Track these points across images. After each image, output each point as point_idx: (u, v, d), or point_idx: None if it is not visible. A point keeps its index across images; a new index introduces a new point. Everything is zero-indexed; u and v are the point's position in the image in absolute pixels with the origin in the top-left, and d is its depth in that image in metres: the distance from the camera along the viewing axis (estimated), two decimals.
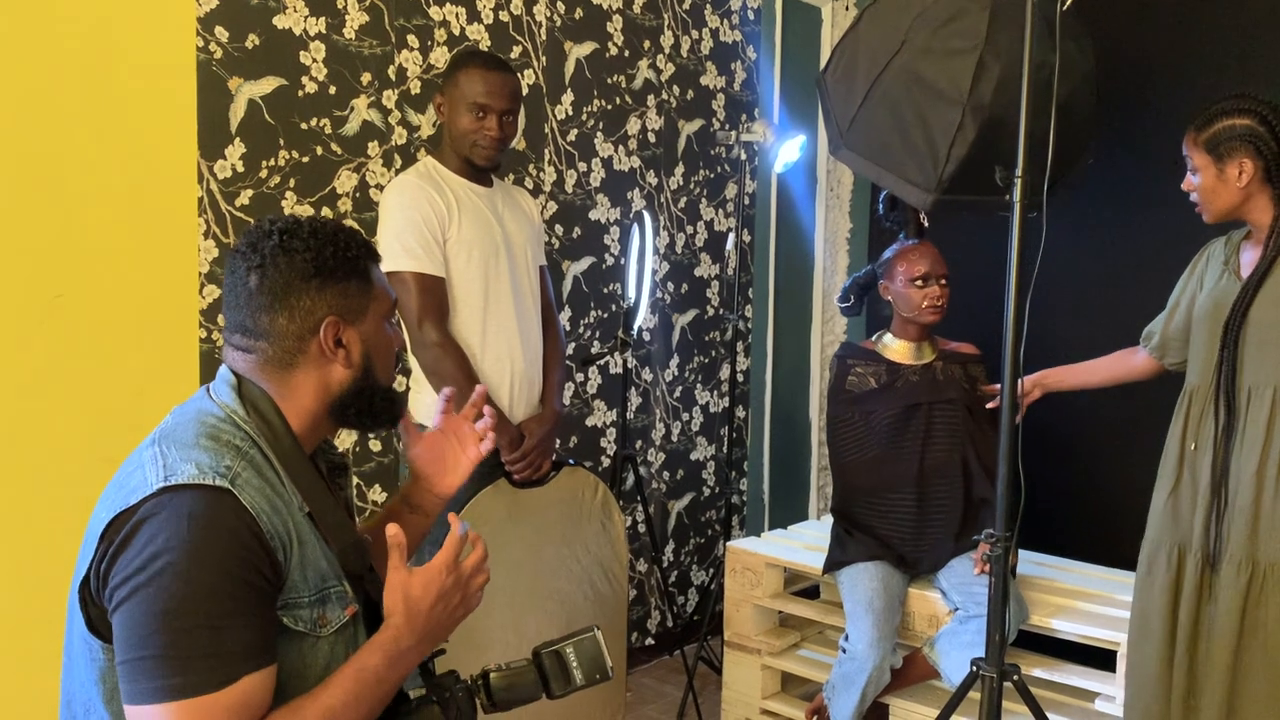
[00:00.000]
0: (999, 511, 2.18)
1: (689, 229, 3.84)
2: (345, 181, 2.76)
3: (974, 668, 2.24)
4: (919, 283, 2.79)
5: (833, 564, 2.82)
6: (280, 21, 2.61)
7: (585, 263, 3.44)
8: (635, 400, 3.68)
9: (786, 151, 3.61)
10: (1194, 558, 2.23)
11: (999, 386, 2.46)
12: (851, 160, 2.68)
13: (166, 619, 1.15)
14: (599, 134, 3.44)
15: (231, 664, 1.17)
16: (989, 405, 2.73)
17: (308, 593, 1.29)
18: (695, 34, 3.77)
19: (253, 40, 2.56)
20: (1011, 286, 2.13)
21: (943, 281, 2.80)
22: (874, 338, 2.96)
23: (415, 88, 2.89)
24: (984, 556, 2.52)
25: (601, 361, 3.52)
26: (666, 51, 3.66)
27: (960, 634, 2.65)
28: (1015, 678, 2.23)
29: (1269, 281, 2.18)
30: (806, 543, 3.22)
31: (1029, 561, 3.04)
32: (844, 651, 2.71)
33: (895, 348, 2.88)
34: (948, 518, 2.81)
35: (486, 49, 3.04)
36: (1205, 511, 2.22)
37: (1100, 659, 2.65)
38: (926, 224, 2.96)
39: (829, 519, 2.99)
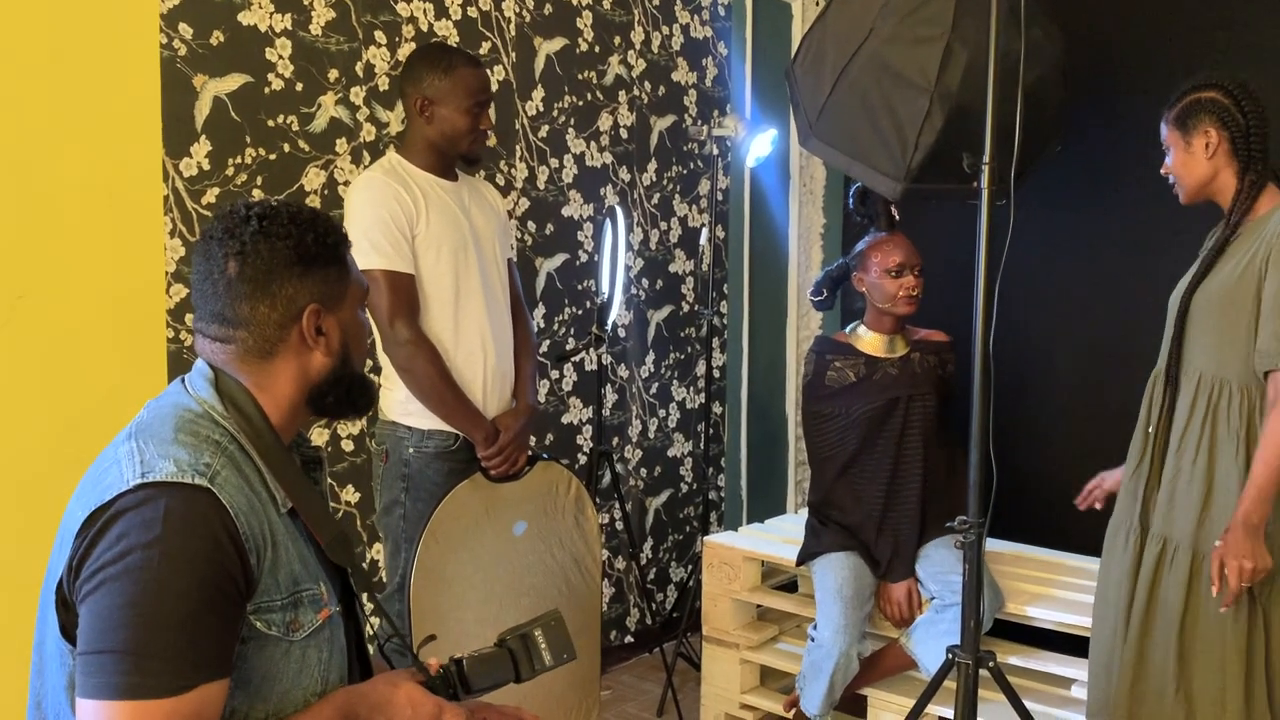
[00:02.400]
0: (971, 497, 2.19)
1: (663, 225, 3.83)
2: (313, 179, 2.74)
3: (949, 655, 2.24)
4: (894, 273, 2.79)
5: (806, 555, 2.83)
6: (245, 18, 2.59)
7: (559, 259, 3.43)
8: (611, 397, 3.67)
9: (758, 146, 3.61)
10: (1136, 536, 2.29)
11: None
12: (821, 150, 2.68)
13: (131, 614, 1.13)
14: (570, 130, 3.43)
15: (190, 670, 1.14)
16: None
17: (280, 596, 1.27)
18: (666, 30, 3.77)
19: (217, 37, 2.54)
20: (980, 274, 2.14)
21: (917, 272, 2.80)
22: (847, 330, 2.96)
23: (383, 84, 2.88)
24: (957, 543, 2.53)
25: (576, 358, 3.50)
26: (637, 47, 3.66)
27: (937, 623, 2.66)
28: (991, 664, 2.23)
29: (1217, 266, 2.20)
30: (783, 536, 3.22)
31: (1005, 550, 3.05)
32: (812, 640, 2.72)
33: (869, 340, 2.88)
34: (922, 510, 2.81)
35: (455, 45, 3.03)
36: (1151, 492, 2.27)
37: (1076, 646, 2.65)
38: (897, 216, 2.97)
39: (806, 512, 2.99)
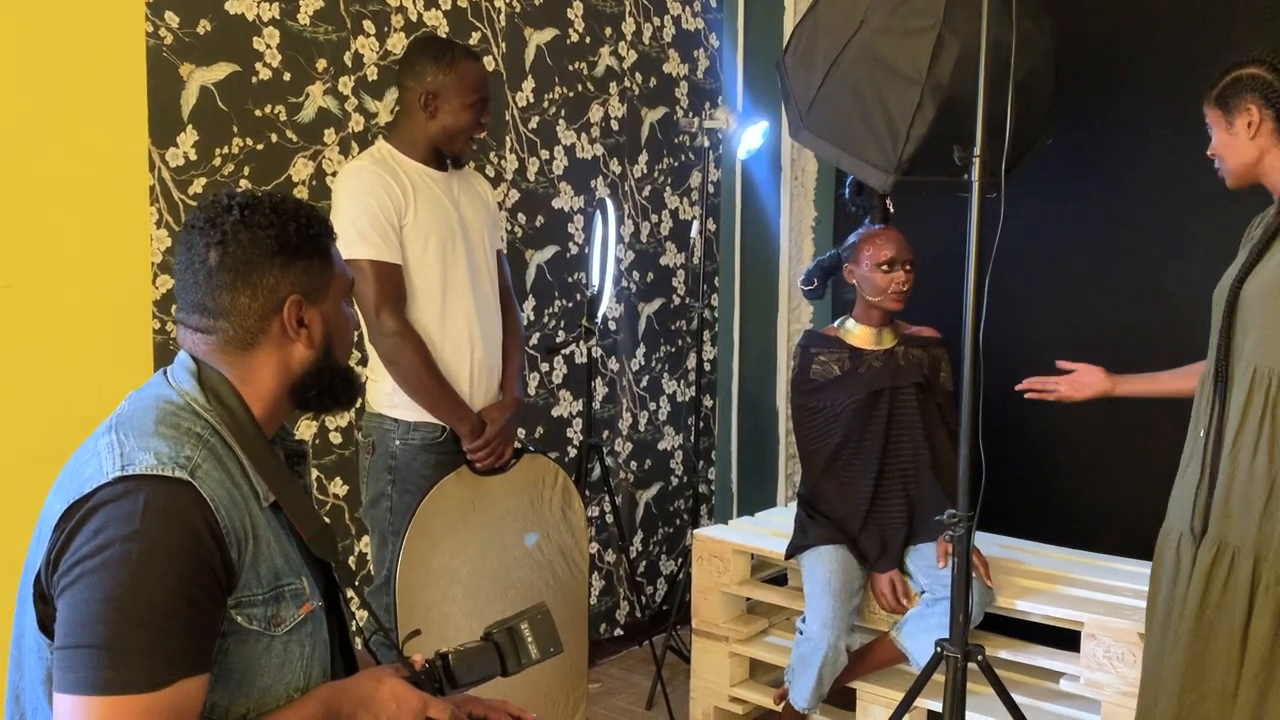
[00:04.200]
0: (960, 492, 2.18)
1: (654, 217, 3.82)
2: (301, 169, 2.72)
3: (938, 648, 2.24)
4: (885, 267, 2.78)
5: (795, 548, 2.82)
6: (232, 7, 2.56)
7: (549, 251, 3.42)
8: (601, 390, 3.66)
9: (749, 138, 3.60)
10: (1189, 542, 2.14)
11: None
12: (811, 142, 2.67)
13: (109, 608, 1.12)
14: (561, 121, 3.42)
15: (169, 665, 1.13)
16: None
17: (261, 590, 1.26)
18: (657, 21, 3.75)
19: (204, 26, 2.52)
20: (970, 267, 2.13)
21: (908, 267, 2.79)
22: (836, 323, 2.96)
23: (372, 74, 2.86)
24: (947, 545, 2.53)
25: (567, 351, 3.49)
26: (628, 39, 3.64)
27: (927, 617, 2.65)
28: (980, 658, 2.23)
29: (1268, 254, 2.06)
30: (773, 529, 3.22)
31: (994, 544, 3.05)
32: (801, 633, 2.72)
33: (857, 333, 2.88)
34: (909, 502, 2.81)
35: (445, 35, 3.01)
36: (1204, 496, 2.12)
37: (1065, 640, 2.66)
38: (892, 209, 2.96)
39: (796, 506, 2.99)
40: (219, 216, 1.31)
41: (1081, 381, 2.47)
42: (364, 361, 2.43)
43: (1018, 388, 2.53)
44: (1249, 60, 2.07)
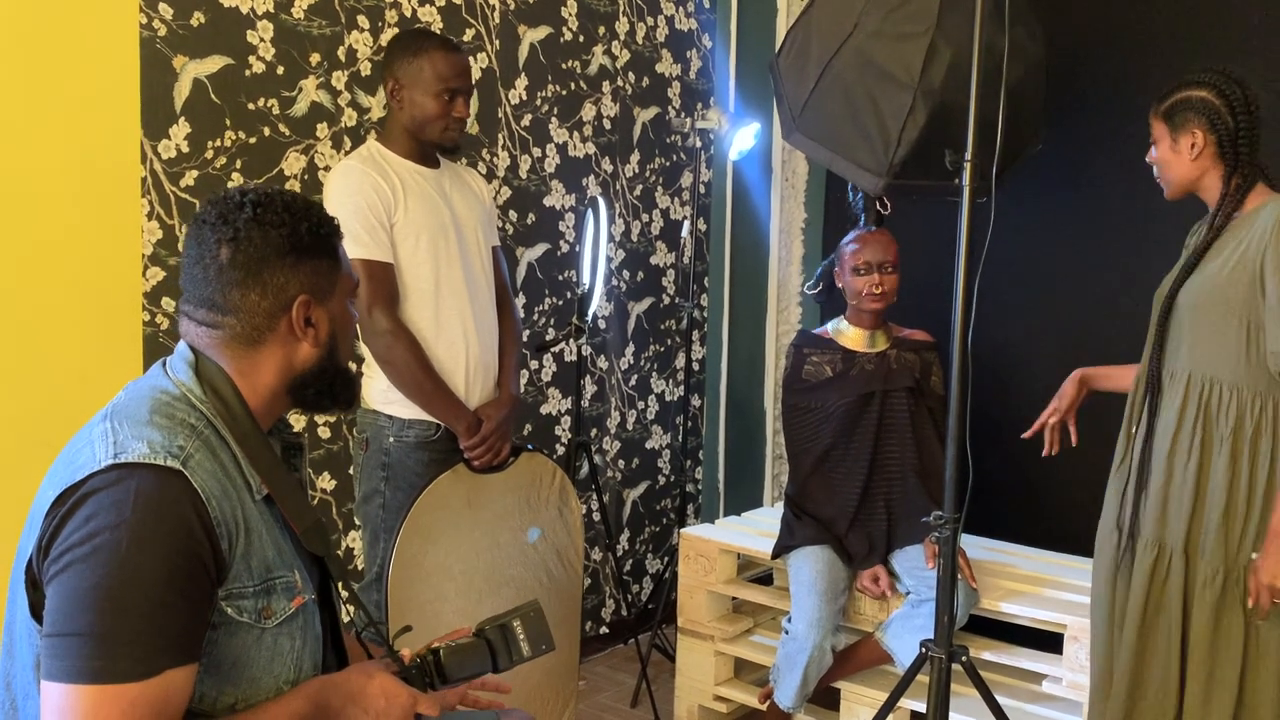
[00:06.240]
0: (947, 493, 2.20)
1: (644, 217, 3.83)
2: (293, 163, 2.72)
3: (923, 649, 2.26)
4: (861, 271, 2.80)
5: (781, 549, 2.84)
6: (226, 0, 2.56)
7: (540, 249, 3.42)
8: (590, 388, 3.67)
9: (741, 139, 3.61)
10: (1124, 540, 2.24)
11: None
12: (803, 144, 2.69)
13: (97, 596, 1.12)
14: (553, 119, 3.42)
15: (156, 655, 1.14)
16: None
17: (252, 583, 1.26)
18: (651, 21, 3.76)
19: (198, 18, 2.51)
20: (960, 270, 2.14)
21: (887, 270, 2.80)
22: (830, 324, 2.97)
23: (365, 69, 2.85)
24: (934, 547, 2.54)
25: (556, 349, 3.50)
26: (622, 38, 3.65)
27: (912, 618, 2.67)
28: (964, 659, 2.25)
29: (1201, 264, 2.14)
30: (760, 529, 3.23)
31: (980, 547, 3.07)
32: (786, 633, 2.74)
33: (850, 335, 2.89)
34: (897, 505, 2.83)
35: (439, 32, 3.00)
36: (1132, 495, 2.23)
37: (1048, 642, 2.68)
38: (887, 211, 2.97)
39: (782, 506, 3.00)
40: (231, 213, 1.31)
41: (1064, 396, 2.51)
42: (358, 360, 2.42)
43: (1025, 436, 2.58)
44: (1198, 81, 2.13)
